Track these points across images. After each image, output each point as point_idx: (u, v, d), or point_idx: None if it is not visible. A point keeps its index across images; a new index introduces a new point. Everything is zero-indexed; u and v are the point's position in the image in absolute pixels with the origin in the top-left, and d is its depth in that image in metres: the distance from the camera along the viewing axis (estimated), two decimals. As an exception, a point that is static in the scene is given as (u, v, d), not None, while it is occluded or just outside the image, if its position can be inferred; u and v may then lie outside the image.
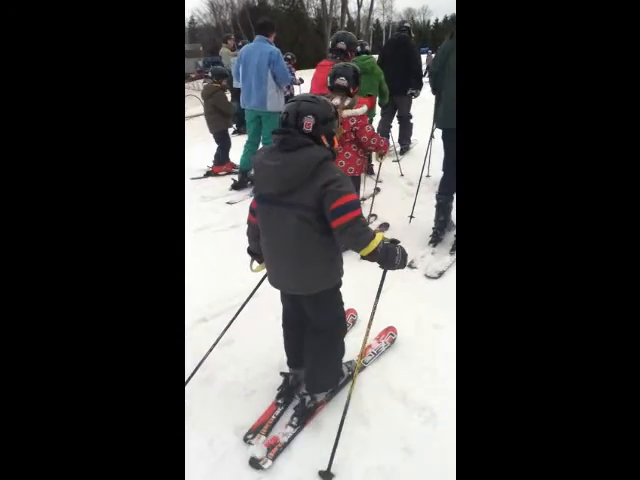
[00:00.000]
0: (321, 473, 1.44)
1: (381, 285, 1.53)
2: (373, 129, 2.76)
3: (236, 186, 4.34)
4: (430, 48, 19.83)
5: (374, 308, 1.57)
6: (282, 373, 1.75)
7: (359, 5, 30.31)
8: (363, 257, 1.38)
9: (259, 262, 1.67)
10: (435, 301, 2.37)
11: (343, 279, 1.59)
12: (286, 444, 1.55)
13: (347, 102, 2.54)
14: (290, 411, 1.66)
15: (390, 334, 2.09)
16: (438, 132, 2.94)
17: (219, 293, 2.51)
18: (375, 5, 31.38)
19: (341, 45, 3.34)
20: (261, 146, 4.20)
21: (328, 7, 28.06)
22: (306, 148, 1.33)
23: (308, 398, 1.64)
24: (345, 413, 1.47)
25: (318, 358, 1.61)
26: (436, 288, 2.57)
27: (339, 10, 28.81)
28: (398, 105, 4.75)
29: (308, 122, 1.36)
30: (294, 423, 1.59)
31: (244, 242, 1.69)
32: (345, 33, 3.53)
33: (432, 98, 3.04)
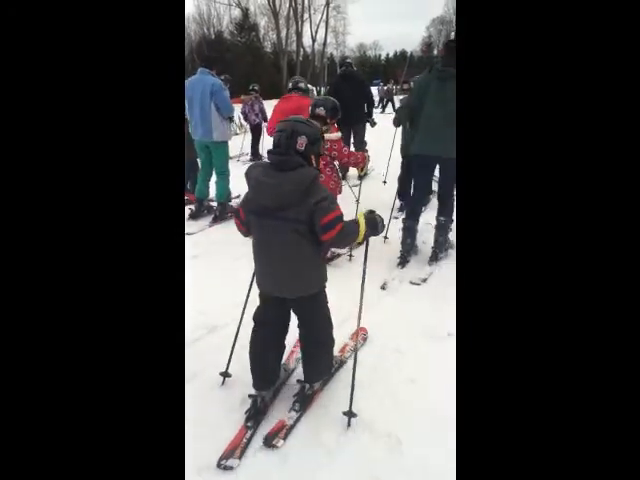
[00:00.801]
0: (344, 412, 1.69)
1: (366, 253, 1.84)
2: (348, 149, 3.12)
3: (193, 215, 4.30)
4: (382, 80, 20.74)
5: (362, 291, 1.82)
6: (250, 395, 1.77)
7: (313, 40, 31.50)
8: (359, 243, 1.66)
9: None
10: (399, 324, 2.41)
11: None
12: (293, 426, 1.70)
13: (324, 129, 2.69)
14: (261, 432, 1.70)
15: (362, 334, 2.29)
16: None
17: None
18: (329, 40, 32.77)
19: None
20: (214, 177, 4.22)
21: (283, 41, 28.98)
22: (300, 169, 1.49)
23: (307, 386, 1.80)
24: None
25: (315, 353, 1.79)
26: (402, 311, 2.61)
27: (294, 44, 29.87)
28: (355, 132, 5.16)
29: (301, 142, 1.52)
30: (296, 408, 1.75)
31: (206, 273, 1.68)
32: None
33: (385, 126, 3.26)
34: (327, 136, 2.75)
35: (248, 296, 1.98)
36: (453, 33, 4.02)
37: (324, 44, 32.04)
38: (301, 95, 3.81)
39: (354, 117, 4.90)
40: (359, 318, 1.85)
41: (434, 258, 3.14)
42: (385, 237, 3.49)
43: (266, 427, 1.72)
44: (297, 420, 1.73)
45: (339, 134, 2.97)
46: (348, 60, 5.57)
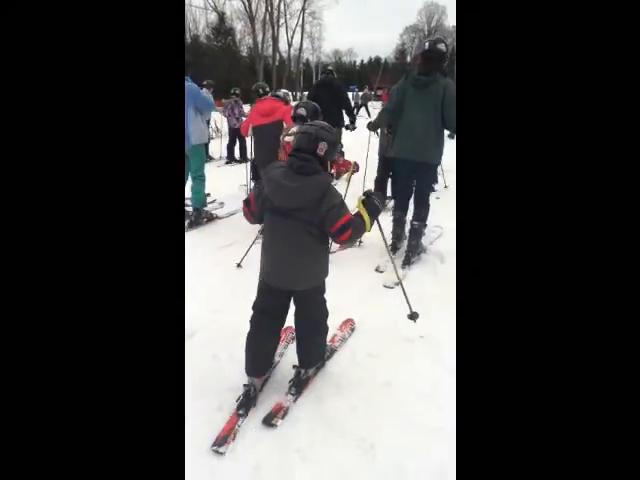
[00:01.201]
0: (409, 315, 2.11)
1: (380, 228, 2.04)
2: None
3: (192, 224, 4.09)
4: (357, 86, 20.96)
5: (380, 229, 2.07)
6: (245, 385, 1.84)
7: (289, 45, 31.59)
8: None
9: None
10: (369, 332, 2.42)
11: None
12: (289, 408, 1.81)
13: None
14: (258, 415, 1.79)
15: (350, 324, 2.41)
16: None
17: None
18: (305, 45, 32.92)
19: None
20: (189, 181, 4.05)
21: (260, 46, 28.95)
22: (316, 175, 1.60)
23: (302, 371, 1.92)
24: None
25: (311, 340, 1.90)
26: (371, 319, 2.61)
27: (270, 49, 29.88)
28: None
29: (322, 147, 1.62)
30: (292, 392, 1.86)
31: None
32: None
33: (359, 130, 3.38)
34: None
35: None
36: (427, 44, 2.79)
37: (300, 49, 32.18)
38: (275, 99, 3.94)
39: (331, 122, 5.01)
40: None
41: (407, 262, 3.16)
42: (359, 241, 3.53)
43: (259, 412, 1.80)
44: (293, 402, 1.84)
45: None
46: (329, 68, 5.68)
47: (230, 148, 7.10)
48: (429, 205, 3.17)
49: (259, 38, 29.11)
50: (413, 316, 2.24)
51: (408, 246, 3.24)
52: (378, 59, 47.26)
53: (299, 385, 1.90)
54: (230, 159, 7.08)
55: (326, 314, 1.92)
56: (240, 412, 1.75)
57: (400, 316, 2.33)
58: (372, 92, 17.79)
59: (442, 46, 2.83)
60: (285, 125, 3.50)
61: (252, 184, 4.34)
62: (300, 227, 1.62)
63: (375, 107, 10.68)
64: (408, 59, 46.00)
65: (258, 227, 2.22)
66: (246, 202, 1.78)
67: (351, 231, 1.62)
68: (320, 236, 1.66)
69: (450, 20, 44.02)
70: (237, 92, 7.21)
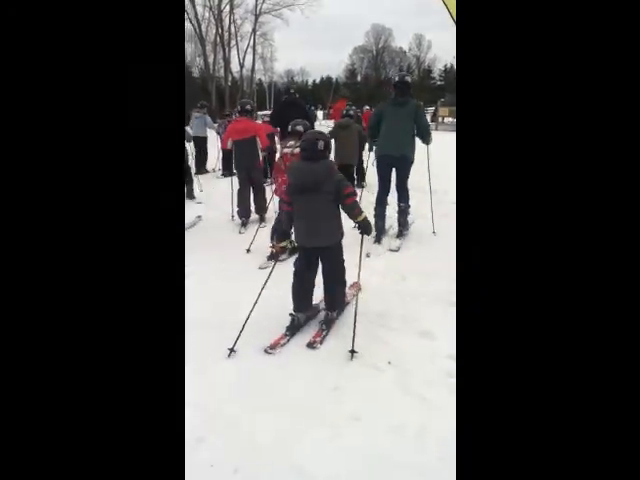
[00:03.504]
0: (350, 351, 2.39)
1: (362, 245, 2.66)
2: None
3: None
4: (311, 105, 21.54)
5: (360, 260, 2.69)
6: (291, 314, 2.64)
7: (241, 66, 32.00)
8: (357, 222, 2.53)
9: (286, 239, 2.84)
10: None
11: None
12: (323, 338, 2.56)
13: (299, 143, 3.38)
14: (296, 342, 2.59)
15: (357, 285, 2.98)
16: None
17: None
18: (257, 66, 33.44)
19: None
20: None
21: (211, 67, 29.15)
22: (323, 159, 2.46)
23: (329, 313, 2.68)
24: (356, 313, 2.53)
25: (334, 287, 2.67)
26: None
27: (222, 70, 30.15)
28: None
29: (321, 145, 2.43)
30: (324, 327, 2.62)
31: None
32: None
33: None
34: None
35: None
36: (398, 77, 4.05)
37: (252, 70, 32.65)
38: (249, 118, 4.65)
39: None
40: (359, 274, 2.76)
41: (400, 235, 4.28)
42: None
43: (301, 338, 2.59)
44: (325, 336, 2.58)
45: None
46: (292, 90, 6.99)
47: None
48: (408, 190, 4.17)
49: (210, 59, 29.35)
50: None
51: (398, 223, 4.29)
52: (330, 78, 48.56)
53: (328, 323, 2.65)
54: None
55: (344, 269, 2.69)
56: (286, 333, 2.56)
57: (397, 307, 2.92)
58: (325, 111, 18.26)
59: (408, 78, 4.18)
60: (258, 140, 4.49)
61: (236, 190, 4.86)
62: (322, 196, 2.41)
63: (329, 125, 10.73)
64: (358, 78, 47.71)
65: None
66: (281, 201, 2.77)
67: (355, 198, 2.49)
68: (335, 201, 2.44)
69: (397, 42, 46.31)
70: (206, 104, 8.38)
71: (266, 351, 2.43)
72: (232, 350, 2.35)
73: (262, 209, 4.69)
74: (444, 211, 4.67)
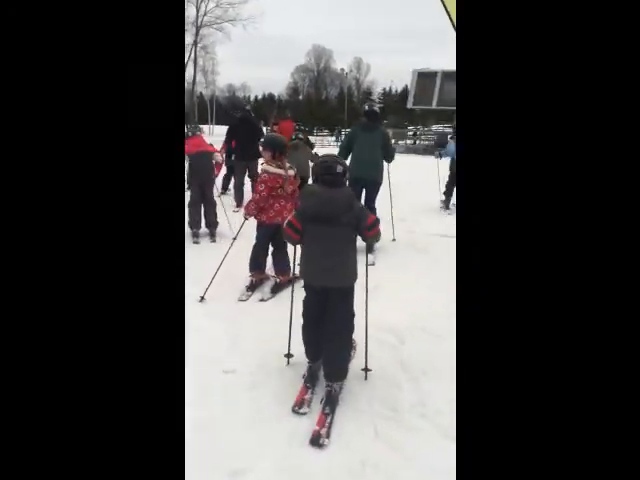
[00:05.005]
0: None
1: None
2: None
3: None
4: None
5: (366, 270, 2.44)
6: (308, 362, 2.28)
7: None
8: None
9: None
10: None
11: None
12: (330, 426, 1.96)
13: (276, 164, 3.24)
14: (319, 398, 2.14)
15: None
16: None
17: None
18: (198, 78, 32.75)
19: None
20: None
21: (150, 77, 28.01)
22: (343, 187, 2.13)
23: (332, 387, 2.13)
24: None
25: (340, 348, 2.16)
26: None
27: (162, 80, 29.10)
28: (249, 167, 6.13)
29: (340, 169, 2.12)
30: (327, 410, 2.04)
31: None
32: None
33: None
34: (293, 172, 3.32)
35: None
36: (367, 106, 4.61)
37: (193, 83, 31.91)
38: (198, 136, 4.99)
39: (249, 154, 5.93)
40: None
41: (370, 249, 3.91)
42: None
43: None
44: (331, 422, 1.99)
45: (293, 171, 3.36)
46: (247, 107, 6.82)
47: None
48: (376, 208, 4.35)
49: (150, 69, 28.20)
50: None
51: None
52: (272, 95, 48.87)
53: (331, 403, 2.08)
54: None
55: (353, 320, 2.22)
56: (308, 385, 2.20)
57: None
58: (268, 128, 18.37)
59: (377, 108, 4.86)
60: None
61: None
62: (341, 228, 2.06)
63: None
64: (300, 97, 48.47)
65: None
66: (289, 224, 2.15)
67: (379, 227, 2.16)
68: (353, 235, 2.12)
69: (337, 64, 47.76)
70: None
71: (294, 411, 2.04)
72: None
73: (214, 224, 4.78)
74: (401, 216, 5.25)
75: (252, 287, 3.35)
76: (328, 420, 1.97)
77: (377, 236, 2.22)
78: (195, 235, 4.65)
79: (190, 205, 4.66)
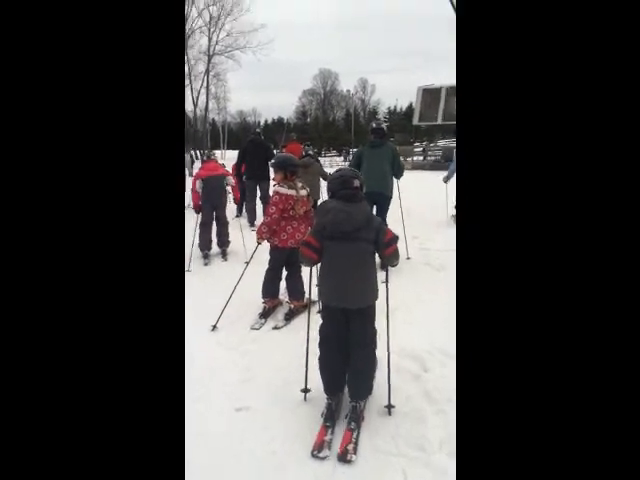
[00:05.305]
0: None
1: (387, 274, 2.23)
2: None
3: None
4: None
5: (387, 292, 2.18)
6: (327, 399, 2.09)
7: (195, 105, 31.90)
8: (392, 265, 2.14)
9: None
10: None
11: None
12: (357, 442, 1.92)
13: (289, 184, 3.13)
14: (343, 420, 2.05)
15: None
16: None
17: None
18: (211, 105, 33.45)
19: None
20: None
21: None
22: (362, 202, 2.05)
23: (358, 405, 2.04)
24: None
25: (365, 367, 2.07)
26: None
27: (174, 109, 29.77)
28: (261, 187, 6.36)
29: (357, 185, 2.06)
30: (352, 426, 1.98)
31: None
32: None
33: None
34: (305, 192, 3.16)
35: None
36: (374, 124, 4.71)
37: (206, 109, 32.60)
38: (213, 160, 5.16)
39: (261, 175, 6.19)
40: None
41: (383, 266, 3.61)
42: None
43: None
44: (357, 438, 1.95)
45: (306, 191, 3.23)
46: (258, 130, 7.26)
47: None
48: (387, 223, 4.19)
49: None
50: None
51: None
52: (281, 119, 49.66)
53: (357, 420, 2.01)
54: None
55: (376, 337, 2.12)
56: (327, 424, 2.00)
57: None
58: (278, 151, 18.55)
59: (383, 125, 4.85)
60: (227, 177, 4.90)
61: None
62: (361, 247, 1.98)
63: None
64: (308, 120, 49.17)
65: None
66: (306, 244, 2.06)
67: (396, 246, 2.04)
68: (373, 253, 2.03)
69: (343, 85, 48.48)
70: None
71: (314, 455, 1.86)
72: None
73: (226, 243, 4.93)
74: (413, 233, 5.20)
75: (265, 314, 3.21)
76: (354, 436, 1.94)
77: (396, 255, 2.06)
78: (205, 257, 4.66)
79: (201, 226, 4.72)
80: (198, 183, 4.63)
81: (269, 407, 2.15)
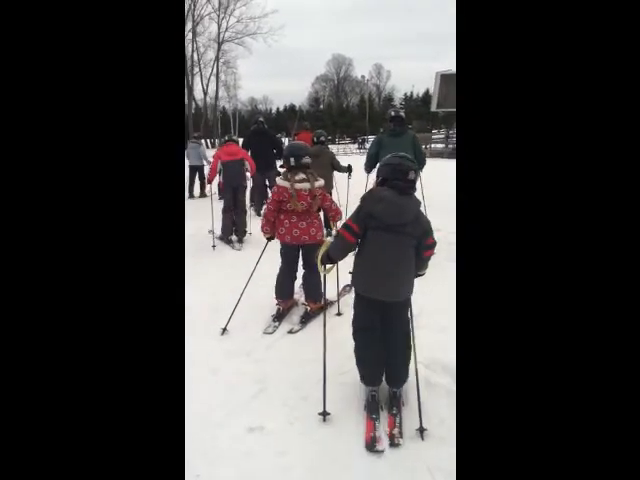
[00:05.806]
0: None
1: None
2: (331, 198, 3.21)
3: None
4: (278, 132, 21.41)
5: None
6: (371, 390, 2.06)
7: (205, 93, 31.61)
8: (420, 272, 2.12)
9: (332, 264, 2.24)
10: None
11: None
12: (401, 425, 1.93)
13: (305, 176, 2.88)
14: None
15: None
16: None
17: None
18: (221, 93, 33.11)
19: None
20: None
21: (174, 94, 28.46)
22: (414, 195, 1.97)
23: (398, 392, 2.07)
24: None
25: (404, 353, 2.05)
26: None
27: (186, 97, 29.55)
28: (268, 177, 5.95)
29: (412, 177, 1.94)
30: (394, 411, 2.00)
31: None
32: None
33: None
34: (318, 183, 2.87)
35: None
36: (393, 112, 4.36)
37: (216, 97, 32.27)
38: (233, 143, 5.03)
39: (266, 165, 5.73)
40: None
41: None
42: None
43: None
44: (401, 423, 1.96)
45: (322, 181, 2.96)
46: (260, 119, 6.28)
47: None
48: None
49: (173, 86, 28.67)
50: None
51: None
52: (293, 106, 49.10)
53: (399, 405, 2.03)
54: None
55: (409, 324, 2.09)
56: (373, 416, 1.97)
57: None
58: (290, 138, 18.22)
59: (402, 112, 4.62)
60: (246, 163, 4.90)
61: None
62: (405, 241, 1.92)
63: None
64: (321, 107, 48.49)
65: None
66: (347, 227, 1.98)
67: (433, 251, 2.03)
68: (415, 250, 1.96)
69: (357, 71, 47.60)
70: (196, 136, 8.88)
71: (370, 449, 1.81)
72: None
73: (242, 232, 4.94)
74: (435, 225, 4.63)
75: (279, 317, 2.97)
76: (397, 420, 1.95)
77: (428, 260, 2.06)
78: (228, 242, 4.86)
79: (223, 212, 4.89)
80: (219, 164, 4.78)
81: (284, 427, 1.92)
